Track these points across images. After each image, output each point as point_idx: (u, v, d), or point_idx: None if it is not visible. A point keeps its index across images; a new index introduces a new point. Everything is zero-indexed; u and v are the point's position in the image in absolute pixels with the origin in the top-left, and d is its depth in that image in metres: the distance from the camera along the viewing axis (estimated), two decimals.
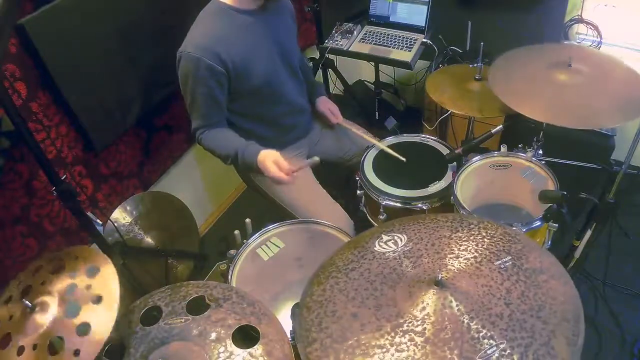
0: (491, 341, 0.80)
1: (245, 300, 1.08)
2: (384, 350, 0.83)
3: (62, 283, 1.05)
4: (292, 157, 1.88)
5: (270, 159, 1.53)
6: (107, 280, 1.02)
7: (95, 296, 0.99)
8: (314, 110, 1.96)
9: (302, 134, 1.93)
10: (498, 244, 0.98)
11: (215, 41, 1.50)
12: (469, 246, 0.99)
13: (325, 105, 1.94)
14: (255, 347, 0.99)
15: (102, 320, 0.96)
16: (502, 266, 0.93)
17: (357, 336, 0.86)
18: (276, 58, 1.66)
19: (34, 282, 1.08)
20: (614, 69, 1.50)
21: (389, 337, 0.85)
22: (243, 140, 1.62)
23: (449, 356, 0.80)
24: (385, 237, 1.06)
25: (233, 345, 1.00)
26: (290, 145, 1.88)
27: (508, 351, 0.79)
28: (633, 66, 1.45)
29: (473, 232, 1.02)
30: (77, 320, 0.97)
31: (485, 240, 0.99)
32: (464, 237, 1.01)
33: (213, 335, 1.02)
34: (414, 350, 0.82)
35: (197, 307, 1.08)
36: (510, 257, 0.95)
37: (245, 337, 1.03)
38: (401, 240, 1.04)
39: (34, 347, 0.97)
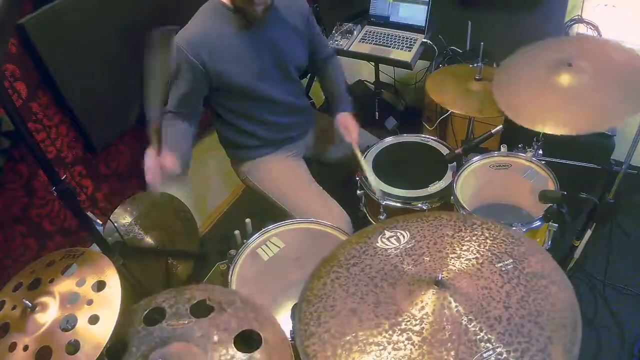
0: (488, 344, 0.80)
1: (249, 305, 1.08)
2: (381, 348, 0.83)
3: (67, 287, 1.04)
4: (286, 156, 1.87)
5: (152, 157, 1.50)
6: (110, 298, 1.00)
7: (94, 316, 0.98)
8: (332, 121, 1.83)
9: (299, 134, 1.91)
10: (500, 245, 0.97)
11: (201, 38, 1.54)
12: (471, 246, 0.98)
13: (344, 122, 1.79)
14: (256, 351, 0.99)
15: (92, 344, 0.94)
16: (504, 269, 0.92)
17: (355, 332, 0.86)
18: (267, 61, 1.65)
19: (43, 276, 1.09)
20: (615, 54, 1.42)
21: (387, 335, 0.84)
22: (184, 152, 1.59)
23: (446, 357, 0.79)
24: (388, 233, 1.05)
25: (234, 349, 0.99)
26: (286, 145, 1.88)
27: (504, 356, 0.78)
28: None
29: (476, 232, 1.01)
30: (69, 336, 0.96)
31: (488, 241, 0.99)
32: (467, 237, 1.00)
33: (215, 338, 1.01)
34: (410, 350, 0.81)
35: (201, 310, 1.08)
36: (512, 260, 0.93)
37: (247, 341, 1.03)
38: (404, 237, 1.03)
39: (25, 348, 0.97)
